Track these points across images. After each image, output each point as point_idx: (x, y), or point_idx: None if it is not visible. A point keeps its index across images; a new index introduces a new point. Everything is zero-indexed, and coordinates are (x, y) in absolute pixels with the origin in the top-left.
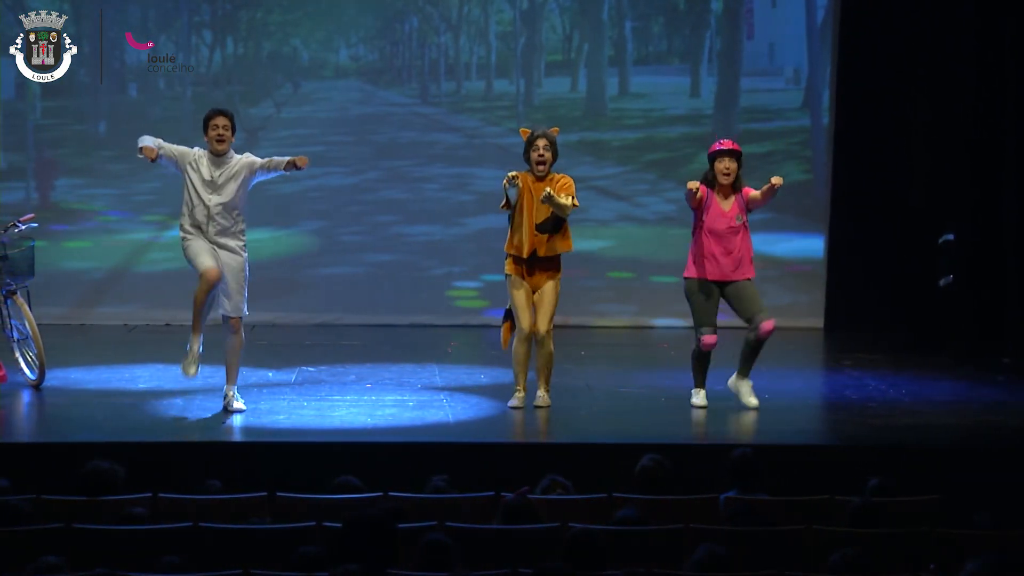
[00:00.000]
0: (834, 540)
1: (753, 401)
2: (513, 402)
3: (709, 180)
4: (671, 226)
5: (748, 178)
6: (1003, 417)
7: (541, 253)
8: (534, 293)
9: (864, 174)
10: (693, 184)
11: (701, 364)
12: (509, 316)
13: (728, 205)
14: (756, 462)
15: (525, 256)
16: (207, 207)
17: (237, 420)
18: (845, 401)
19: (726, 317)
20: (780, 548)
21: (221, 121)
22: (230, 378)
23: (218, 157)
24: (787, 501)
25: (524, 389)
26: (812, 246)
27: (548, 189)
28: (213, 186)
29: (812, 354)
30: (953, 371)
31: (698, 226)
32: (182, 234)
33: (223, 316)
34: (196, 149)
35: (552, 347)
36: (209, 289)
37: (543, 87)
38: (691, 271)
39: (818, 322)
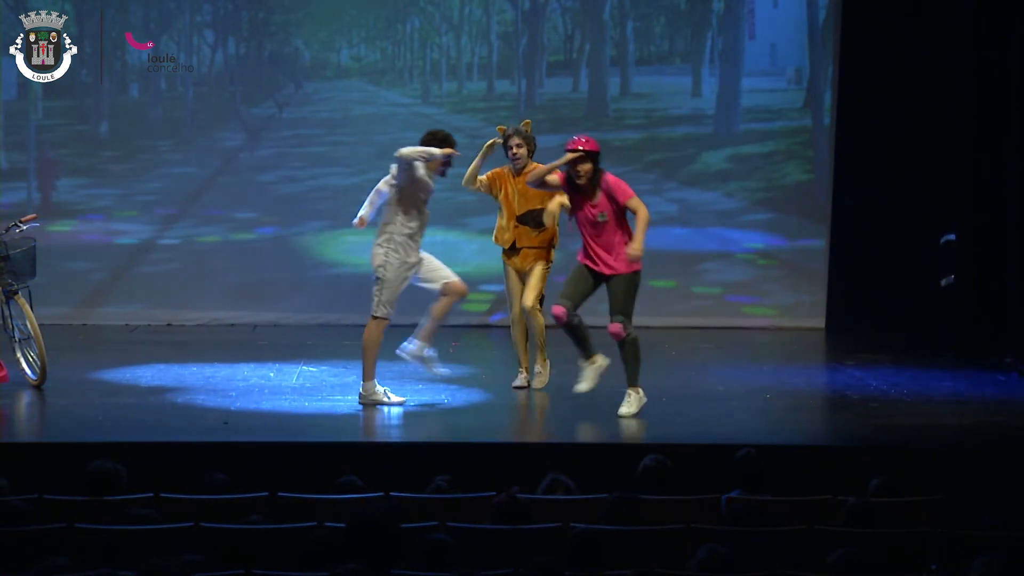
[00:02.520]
0: (836, 540)
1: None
2: (516, 382)
3: (569, 174)
4: (673, 226)
5: (750, 178)
6: (1005, 417)
7: (520, 245)
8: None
9: (866, 174)
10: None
11: (569, 335)
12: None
13: (594, 199)
14: (761, 462)
15: (506, 248)
16: (423, 219)
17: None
18: (847, 401)
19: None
20: (782, 548)
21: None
22: (428, 337)
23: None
24: (789, 501)
25: (527, 370)
26: (814, 246)
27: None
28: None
29: (814, 354)
30: (955, 371)
31: (573, 213)
32: (393, 246)
33: (443, 286)
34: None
35: (541, 319)
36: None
37: (545, 87)
38: (581, 255)
39: (820, 322)
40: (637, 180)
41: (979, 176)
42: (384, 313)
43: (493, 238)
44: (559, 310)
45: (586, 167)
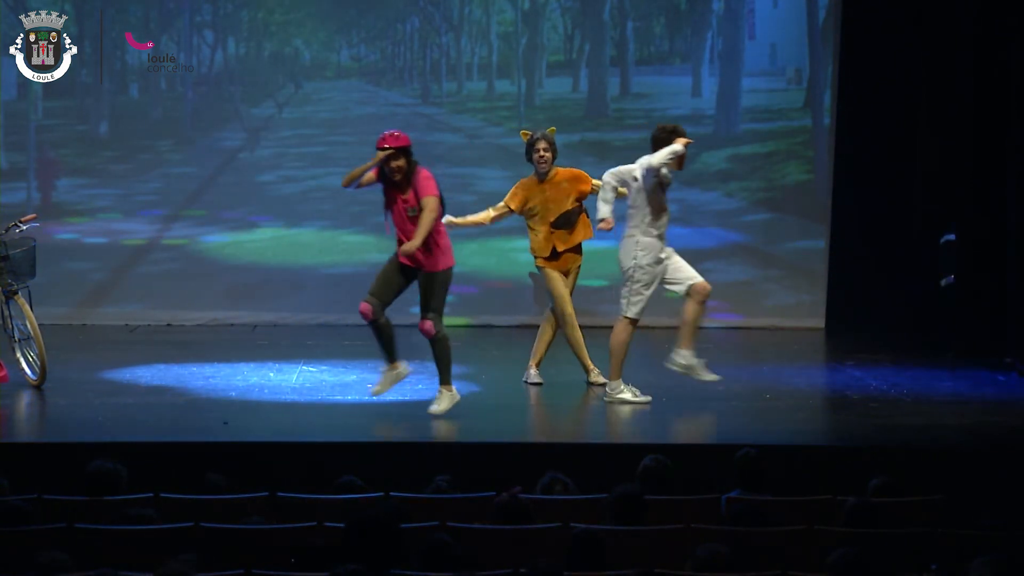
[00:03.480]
0: (836, 540)
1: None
2: (591, 377)
3: (383, 170)
4: (673, 225)
5: (750, 178)
6: (1005, 417)
7: (560, 248)
8: (567, 276)
9: (866, 174)
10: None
11: (374, 334)
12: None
13: (406, 193)
14: (761, 462)
15: (547, 255)
16: (668, 210)
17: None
18: (846, 401)
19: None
20: (782, 548)
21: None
22: (690, 343)
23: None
24: (789, 501)
25: (593, 367)
26: (813, 246)
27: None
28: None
29: (813, 354)
30: (955, 371)
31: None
32: (643, 248)
33: (688, 288)
34: (655, 159)
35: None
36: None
37: (544, 87)
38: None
39: (819, 322)
40: None
41: (979, 176)
42: (635, 313)
43: (530, 251)
44: (365, 307)
45: (399, 163)
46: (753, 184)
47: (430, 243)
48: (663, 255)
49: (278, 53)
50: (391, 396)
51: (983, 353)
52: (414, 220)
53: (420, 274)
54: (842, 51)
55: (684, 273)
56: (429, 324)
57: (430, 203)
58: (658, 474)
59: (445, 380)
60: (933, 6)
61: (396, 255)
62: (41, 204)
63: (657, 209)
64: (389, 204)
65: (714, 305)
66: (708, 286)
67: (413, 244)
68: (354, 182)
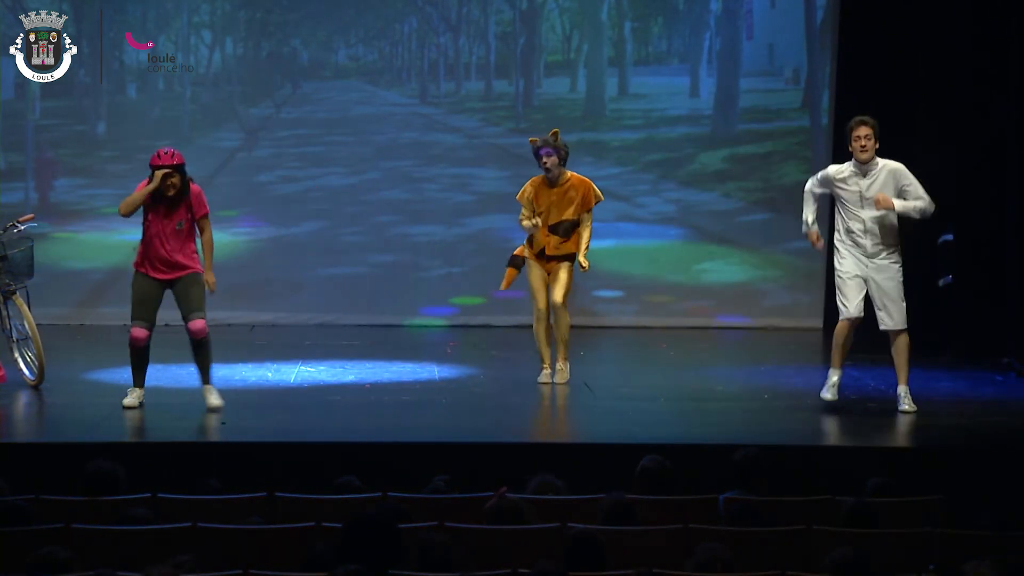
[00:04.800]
0: (834, 540)
1: (214, 401)
2: (541, 378)
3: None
4: (671, 226)
5: (748, 178)
6: (1003, 417)
7: (549, 252)
8: (548, 275)
9: None
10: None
11: (133, 358)
12: (512, 261)
13: (177, 208)
14: (760, 462)
15: (535, 253)
16: (862, 220)
17: None
18: (845, 401)
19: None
20: (780, 548)
21: (864, 131)
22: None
23: (864, 166)
24: (787, 501)
25: (550, 366)
26: (811, 246)
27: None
28: (863, 199)
29: (812, 354)
30: (953, 371)
31: (146, 225)
32: (837, 252)
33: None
34: (832, 167)
35: (568, 318)
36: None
37: (543, 87)
38: (139, 264)
39: (818, 322)
40: (635, 180)
41: (979, 176)
42: (844, 314)
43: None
44: (141, 333)
45: (174, 180)
46: (751, 184)
47: (192, 248)
48: (858, 265)
49: (276, 53)
50: (390, 396)
51: (982, 353)
52: (178, 234)
53: (181, 279)
54: (840, 51)
55: (878, 302)
56: (202, 322)
57: (208, 226)
58: (656, 474)
59: (208, 380)
60: (932, 6)
61: (145, 274)
62: (39, 204)
63: (839, 215)
64: (160, 217)
65: (712, 305)
66: (898, 329)
67: (209, 277)
68: (132, 208)
